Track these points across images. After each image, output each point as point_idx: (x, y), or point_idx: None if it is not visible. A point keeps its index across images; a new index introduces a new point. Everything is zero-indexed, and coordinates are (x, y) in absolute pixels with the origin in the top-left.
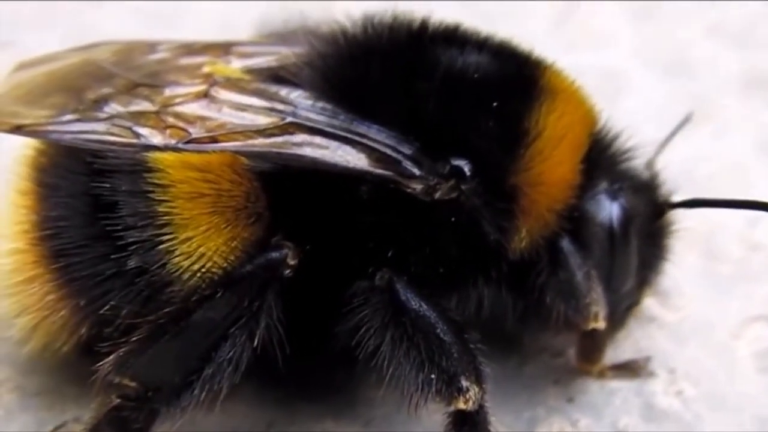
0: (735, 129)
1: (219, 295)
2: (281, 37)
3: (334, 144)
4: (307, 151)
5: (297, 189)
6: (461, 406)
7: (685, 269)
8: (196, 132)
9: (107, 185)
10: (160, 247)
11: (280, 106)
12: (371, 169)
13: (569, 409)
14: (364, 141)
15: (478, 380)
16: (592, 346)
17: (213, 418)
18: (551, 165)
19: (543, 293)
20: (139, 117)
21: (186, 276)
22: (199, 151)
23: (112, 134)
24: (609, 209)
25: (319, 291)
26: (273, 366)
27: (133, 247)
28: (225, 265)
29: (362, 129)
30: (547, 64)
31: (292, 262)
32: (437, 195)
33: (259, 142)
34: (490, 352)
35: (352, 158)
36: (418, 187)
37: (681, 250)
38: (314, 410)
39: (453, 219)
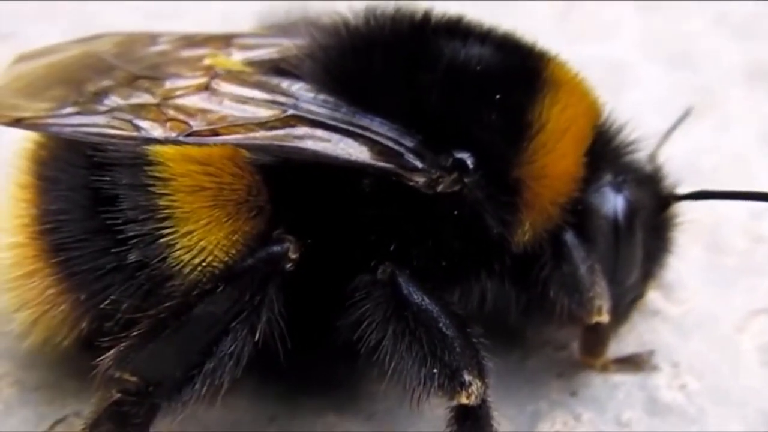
0: (738, 121)
1: (220, 289)
2: (282, 28)
3: (335, 137)
4: (309, 144)
5: (298, 182)
6: (464, 400)
7: (689, 262)
8: (197, 125)
9: (107, 178)
10: (161, 240)
11: (281, 99)
12: (373, 162)
13: (572, 402)
14: (366, 134)
15: (481, 374)
16: (595, 339)
17: (214, 413)
18: (555, 158)
19: (546, 287)
20: (139, 110)
21: (187, 270)
22: (200, 144)
23: (113, 127)
24: (613, 202)
25: (321, 285)
26: (274, 360)
27: (134, 240)
28: (226, 258)
29: (364, 121)
30: (551, 56)
31: (293, 256)
32: (440, 188)
33: (261, 135)
34: (492, 345)
35: (354, 151)
36: (420, 180)
37: (685, 242)
38: (316, 405)
39: (455, 212)
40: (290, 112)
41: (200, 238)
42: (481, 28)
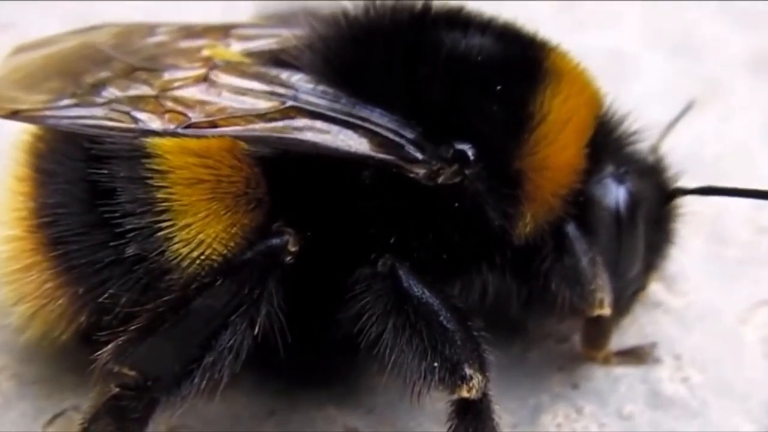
0: (742, 111)
1: (219, 282)
2: (282, 19)
3: (335, 128)
4: (308, 136)
5: (298, 174)
6: (464, 394)
7: (692, 253)
8: (195, 116)
9: (105, 171)
10: (159, 234)
11: (280, 90)
12: (373, 153)
13: (574, 395)
14: (366, 125)
15: (482, 368)
16: (597, 332)
17: (214, 407)
18: (556, 149)
19: (548, 279)
20: (137, 101)
21: (185, 263)
22: (198, 136)
23: (111, 119)
24: (615, 193)
25: (321, 278)
26: (274, 354)
27: (132, 234)
28: (225, 252)
29: (364, 113)
30: (552, 45)
31: (293, 249)
32: (440, 180)
33: (260, 127)
34: (493, 338)
35: (354, 143)
36: (420, 171)
37: (687, 234)
38: (316, 398)
39: (456, 204)
40: (289, 103)
41: (199, 231)
42: (481, 18)
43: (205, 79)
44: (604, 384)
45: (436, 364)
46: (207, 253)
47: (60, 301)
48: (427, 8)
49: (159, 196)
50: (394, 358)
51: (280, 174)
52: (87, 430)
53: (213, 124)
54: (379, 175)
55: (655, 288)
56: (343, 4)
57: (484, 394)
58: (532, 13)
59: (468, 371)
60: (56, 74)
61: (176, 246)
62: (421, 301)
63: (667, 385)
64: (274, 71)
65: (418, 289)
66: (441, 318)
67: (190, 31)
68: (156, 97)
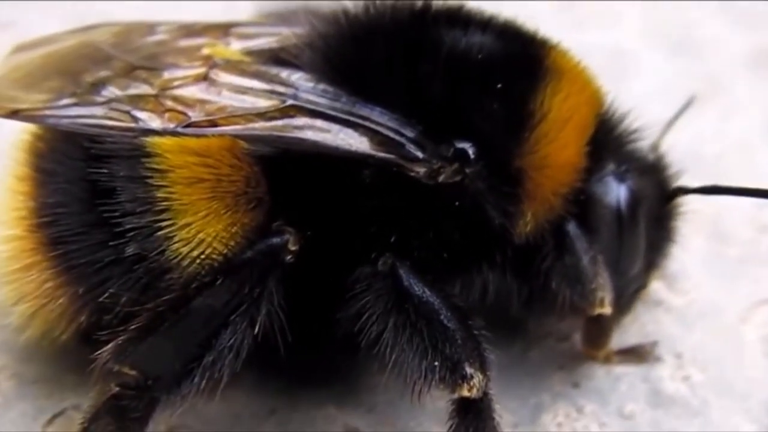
0: (742, 109)
1: (219, 281)
2: (282, 17)
3: (335, 127)
4: (309, 135)
5: (298, 173)
6: (465, 393)
7: (693, 252)
8: (195, 116)
9: (105, 171)
10: (159, 233)
11: (280, 89)
12: (374, 152)
13: (575, 394)
14: (367, 124)
15: (483, 367)
16: (598, 330)
17: (214, 406)
18: (557, 148)
19: (548, 278)
20: (137, 100)
21: (185, 262)
22: (198, 135)
23: (110, 118)
24: (616, 191)
25: (321, 277)
26: (274, 353)
27: (132, 233)
28: (225, 251)
29: (364, 111)
30: (553, 44)
31: (293, 248)
32: (441, 178)
33: (260, 126)
34: (494, 337)
35: (354, 141)
36: (421, 170)
37: (688, 232)
38: (316, 397)
39: (457, 203)
40: (290, 102)
41: (199, 230)
42: (481, 16)
43: (205, 77)
44: (604, 383)
45: (436, 363)
46: (207, 252)
47: (60, 301)
48: (427, 6)
49: (159, 195)
50: (395, 357)
51: (281, 173)
52: (87, 430)
53: (213, 123)
54: (380, 173)
55: (656, 286)
56: (343, 3)
57: (485, 393)
58: (533, 12)
59: (468, 370)
60: (56, 73)
61: (176, 245)
62: (422, 300)
63: (668, 384)
64: (274, 70)
65: (418, 288)
66: (441, 317)
67: (190, 30)
68: (156, 96)
